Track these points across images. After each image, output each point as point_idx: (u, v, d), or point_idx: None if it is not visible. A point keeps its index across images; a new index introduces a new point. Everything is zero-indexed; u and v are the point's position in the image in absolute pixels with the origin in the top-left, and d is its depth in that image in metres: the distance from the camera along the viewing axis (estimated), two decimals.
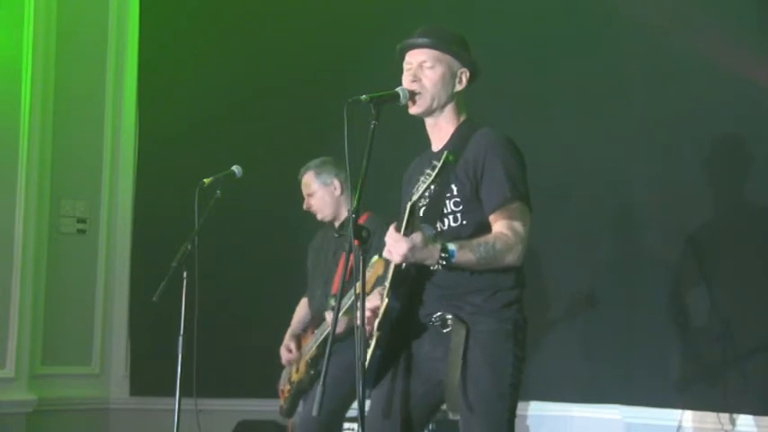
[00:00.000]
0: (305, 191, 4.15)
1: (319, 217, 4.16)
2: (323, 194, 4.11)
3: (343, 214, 4.09)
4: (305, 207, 4.16)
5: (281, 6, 5.84)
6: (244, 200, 5.07)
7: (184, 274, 3.91)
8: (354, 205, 2.55)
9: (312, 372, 4.00)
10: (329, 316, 3.90)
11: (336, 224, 4.13)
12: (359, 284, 3.70)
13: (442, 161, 2.57)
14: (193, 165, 5.10)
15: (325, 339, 3.91)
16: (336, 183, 4.09)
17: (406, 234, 2.59)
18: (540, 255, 4.91)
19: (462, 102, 2.92)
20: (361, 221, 3.96)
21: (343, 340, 3.72)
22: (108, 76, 5.89)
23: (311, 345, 4.06)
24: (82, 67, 5.81)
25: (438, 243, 2.62)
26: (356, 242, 2.52)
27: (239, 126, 5.72)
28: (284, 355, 4.20)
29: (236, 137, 5.63)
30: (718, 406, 4.33)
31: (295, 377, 4.11)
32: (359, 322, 2.50)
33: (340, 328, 3.81)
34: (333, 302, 3.88)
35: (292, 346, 4.19)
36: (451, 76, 2.87)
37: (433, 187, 2.67)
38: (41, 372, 5.51)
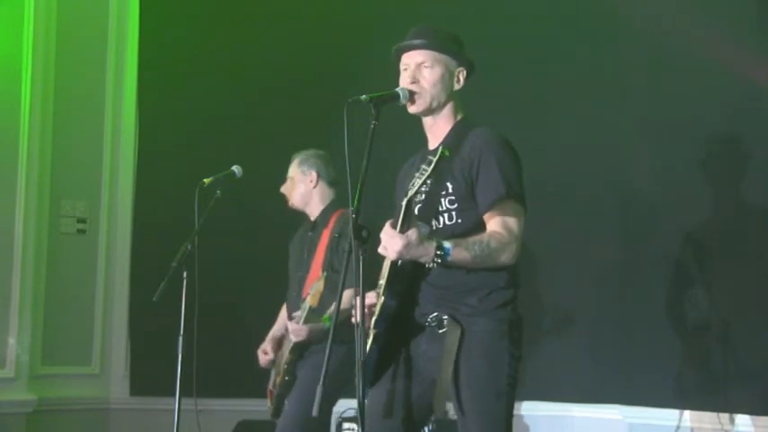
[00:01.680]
0: (288, 174, 4.25)
1: (289, 203, 4.24)
2: (297, 182, 4.19)
3: (315, 209, 4.18)
4: (281, 189, 4.25)
5: (282, 6, 5.84)
6: (244, 200, 5.07)
7: (184, 274, 3.91)
8: (355, 205, 2.54)
9: (287, 378, 4.00)
10: (291, 326, 3.93)
11: (312, 218, 4.20)
12: (312, 296, 3.77)
13: (437, 156, 2.59)
14: (193, 165, 5.10)
15: (297, 344, 3.95)
16: (314, 175, 4.17)
17: (402, 230, 2.59)
18: (541, 255, 4.91)
19: (460, 101, 2.93)
20: (334, 218, 4.05)
21: (322, 342, 3.77)
22: (108, 76, 5.88)
23: (284, 350, 4.09)
24: (82, 67, 5.80)
25: (434, 241, 2.62)
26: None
27: (239, 126, 5.72)
28: (261, 358, 4.22)
29: (235, 137, 5.63)
30: (718, 406, 4.34)
31: (278, 380, 4.13)
32: (358, 321, 2.50)
33: (302, 337, 3.85)
34: (300, 307, 3.92)
35: (269, 348, 4.20)
36: (450, 76, 2.87)
37: (428, 182, 2.69)
38: (41, 372, 5.51)
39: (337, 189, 4.18)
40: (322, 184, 4.17)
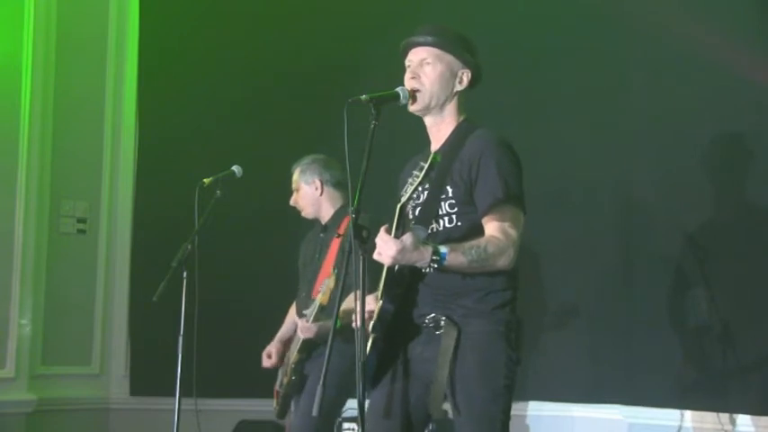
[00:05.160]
0: (292, 186, 4.24)
1: (303, 214, 4.24)
2: (305, 192, 4.18)
3: (326, 213, 4.17)
4: (291, 202, 4.24)
5: (282, 7, 5.84)
6: (244, 200, 5.07)
7: (184, 274, 3.91)
8: (354, 205, 2.54)
9: (294, 377, 3.99)
10: (300, 323, 3.93)
11: (323, 222, 4.18)
12: (322, 293, 3.76)
13: (428, 162, 2.59)
14: (193, 165, 5.10)
15: (305, 343, 3.95)
16: (318, 182, 4.15)
17: (396, 235, 2.58)
18: (542, 255, 4.91)
19: (463, 102, 2.91)
20: (347, 219, 4.03)
21: (325, 344, 3.75)
22: (108, 76, 5.89)
23: (293, 349, 4.08)
24: (82, 67, 5.81)
25: (429, 245, 2.60)
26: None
27: (239, 126, 5.71)
28: (264, 361, 4.21)
29: (235, 137, 5.63)
30: (718, 406, 4.34)
31: (285, 380, 4.12)
32: (358, 323, 2.50)
33: (310, 334, 3.84)
34: (308, 307, 3.92)
35: (273, 351, 4.20)
36: (451, 76, 2.86)
37: (423, 187, 2.70)
38: (41, 372, 5.51)
39: (344, 190, 4.15)
40: (327, 189, 4.15)
